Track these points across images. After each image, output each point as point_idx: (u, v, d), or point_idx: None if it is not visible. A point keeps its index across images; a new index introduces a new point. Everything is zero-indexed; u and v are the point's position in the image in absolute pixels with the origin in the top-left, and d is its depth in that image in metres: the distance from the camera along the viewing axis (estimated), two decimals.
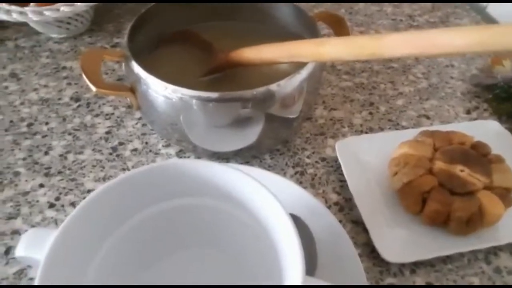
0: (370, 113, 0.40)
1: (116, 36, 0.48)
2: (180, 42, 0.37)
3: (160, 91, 0.29)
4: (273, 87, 0.28)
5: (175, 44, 0.37)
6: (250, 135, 0.31)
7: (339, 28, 0.37)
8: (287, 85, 0.29)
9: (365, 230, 0.30)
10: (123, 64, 0.33)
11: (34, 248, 0.20)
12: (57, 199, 0.32)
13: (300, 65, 0.30)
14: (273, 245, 0.23)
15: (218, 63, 0.34)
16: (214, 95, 0.28)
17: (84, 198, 0.32)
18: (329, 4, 0.56)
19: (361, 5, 0.56)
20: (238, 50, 0.32)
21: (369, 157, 0.35)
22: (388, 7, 0.56)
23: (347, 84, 0.44)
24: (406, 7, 0.56)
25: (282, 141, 0.36)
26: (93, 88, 0.29)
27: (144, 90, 0.30)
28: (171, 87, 0.29)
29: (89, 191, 0.32)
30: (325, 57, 0.27)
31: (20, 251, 0.20)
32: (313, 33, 0.34)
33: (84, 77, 0.29)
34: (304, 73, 0.30)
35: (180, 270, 0.26)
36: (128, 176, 0.23)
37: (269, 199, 0.22)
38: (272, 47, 0.30)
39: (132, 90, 0.31)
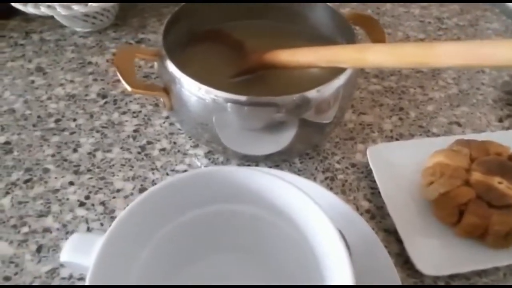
0: (400, 119, 0.40)
1: (140, 32, 0.48)
2: (211, 41, 0.37)
3: (193, 91, 0.29)
4: (312, 93, 0.28)
5: (206, 42, 0.37)
6: (282, 140, 0.31)
7: (373, 30, 0.36)
8: (325, 91, 0.28)
9: (398, 240, 0.30)
10: (156, 63, 0.33)
11: (79, 254, 0.20)
12: (87, 197, 0.31)
13: (336, 70, 0.30)
14: (314, 254, 0.23)
15: (251, 65, 0.33)
16: (248, 99, 0.27)
17: (113, 197, 0.32)
18: (354, 4, 0.55)
19: (388, 6, 0.55)
20: (273, 52, 0.32)
21: (401, 164, 0.34)
22: (415, 9, 0.55)
23: (376, 88, 0.43)
24: (434, 9, 0.55)
25: (313, 146, 0.35)
26: (129, 88, 0.28)
27: (178, 90, 0.29)
28: (204, 87, 0.28)
29: (118, 190, 0.32)
30: (367, 64, 0.26)
31: (64, 257, 0.20)
32: (348, 36, 0.34)
33: (120, 77, 0.29)
34: (342, 78, 0.29)
35: (216, 273, 0.26)
36: (171, 182, 0.23)
37: (312, 208, 0.22)
38: (310, 51, 0.30)
39: (166, 90, 0.31)
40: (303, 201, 0.22)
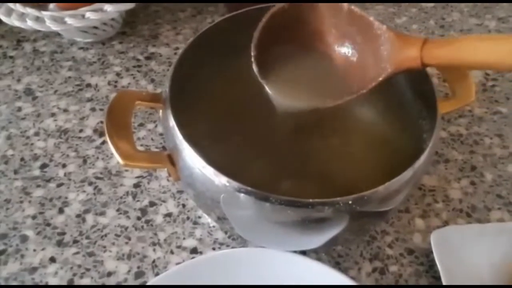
0: (472, 183, 0.31)
1: (151, 44, 0.40)
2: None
3: (198, 166, 0.21)
4: (377, 191, 0.19)
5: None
6: (321, 236, 0.23)
7: (456, 79, 0.26)
8: (396, 183, 0.20)
9: None
10: (161, 113, 0.25)
11: None
12: (70, 282, 0.25)
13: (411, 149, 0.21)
14: None
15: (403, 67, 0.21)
16: (273, 198, 0.19)
17: (103, 283, 0.25)
18: (413, 10, 0.45)
19: (456, 16, 0.44)
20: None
21: (475, 258, 0.26)
22: (491, 21, 0.44)
23: (440, 135, 0.34)
24: None
25: (364, 232, 0.27)
26: (121, 162, 0.21)
27: (183, 159, 0.22)
28: (210, 169, 0.20)
29: (109, 274, 0.25)
30: None
31: None
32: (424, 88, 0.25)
33: (110, 144, 0.21)
34: (421, 159, 0.21)
35: None
36: None
37: None
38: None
39: (170, 158, 0.23)
40: None
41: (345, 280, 0.23)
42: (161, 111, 0.25)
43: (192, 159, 0.21)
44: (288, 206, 0.19)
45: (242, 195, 0.19)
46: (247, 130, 0.26)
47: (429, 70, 0.25)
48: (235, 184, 0.19)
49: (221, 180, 0.20)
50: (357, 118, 0.28)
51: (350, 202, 0.19)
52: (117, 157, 0.21)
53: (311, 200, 0.19)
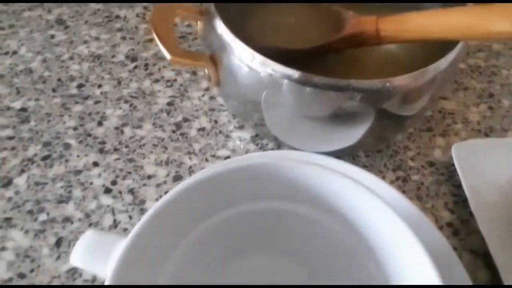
0: (490, 108, 0.32)
1: None
2: None
3: (245, 60, 0.22)
4: (402, 79, 0.21)
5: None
6: (348, 135, 0.24)
7: None
8: (421, 78, 0.21)
9: (488, 265, 0.24)
10: (199, 23, 0.26)
11: (94, 260, 0.16)
12: (114, 183, 0.27)
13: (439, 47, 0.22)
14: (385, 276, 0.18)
15: (342, 38, 0.25)
16: (315, 79, 0.21)
17: (144, 185, 0.27)
18: None
19: None
20: (389, 17, 0.24)
21: (494, 169, 0.27)
22: None
23: (459, 66, 0.35)
24: None
25: (385, 141, 0.29)
26: (168, 56, 0.22)
27: (228, 58, 0.23)
28: (259, 58, 0.22)
29: (149, 177, 0.27)
30: None
31: (76, 261, 0.16)
32: None
33: (158, 42, 0.22)
34: (445, 61, 0.22)
35: (257, 274, 0.22)
36: (208, 177, 0.18)
37: (393, 222, 0.17)
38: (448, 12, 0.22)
39: (213, 60, 0.24)
40: (379, 210, 0.18)
41: (373, 178, 0.24)
42: (199, 23, 0.26)
43: (240, 53, 0.22)
44: (329, 89, 0.20)
45: (286, 81, 0.21)
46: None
47: None
48: (281, 69, 0.21)
49: (267, 69, 0.21)
50: None
51: (387, 84, 0.20)
52: (164, 52, 0.23)
53: (352, 80, 0.20)
